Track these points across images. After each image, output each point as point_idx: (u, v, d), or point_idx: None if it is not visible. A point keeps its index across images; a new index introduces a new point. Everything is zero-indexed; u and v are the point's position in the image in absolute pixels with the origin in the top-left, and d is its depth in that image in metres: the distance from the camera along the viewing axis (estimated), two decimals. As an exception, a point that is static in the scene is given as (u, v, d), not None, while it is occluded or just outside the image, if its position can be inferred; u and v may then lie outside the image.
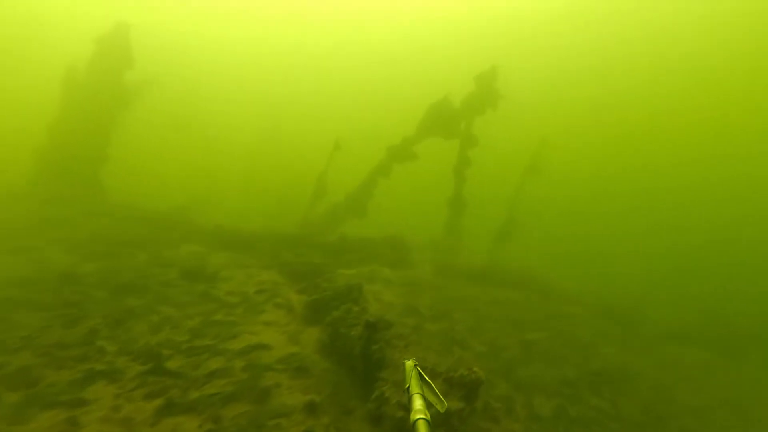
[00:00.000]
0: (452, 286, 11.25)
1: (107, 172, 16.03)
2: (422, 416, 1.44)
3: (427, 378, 1.84)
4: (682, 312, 19.58)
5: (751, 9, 47.45)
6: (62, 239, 9.20)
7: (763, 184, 50.11)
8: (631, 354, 9.65)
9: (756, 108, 52.64)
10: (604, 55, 61.90)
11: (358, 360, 4.80)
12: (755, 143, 52.41)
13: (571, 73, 63.30)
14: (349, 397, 4.60)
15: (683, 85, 58.12)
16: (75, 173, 15.03)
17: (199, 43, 62.05)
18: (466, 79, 18.05)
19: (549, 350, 7.85)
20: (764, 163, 50.67)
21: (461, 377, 3.56)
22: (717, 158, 54.73)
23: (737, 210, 50.85)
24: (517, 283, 13.51)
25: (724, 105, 55.45)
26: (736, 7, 48.65)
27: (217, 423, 3.82)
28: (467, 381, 3.52)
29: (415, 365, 1.94)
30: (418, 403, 1.58)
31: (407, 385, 1.80)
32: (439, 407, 1.74)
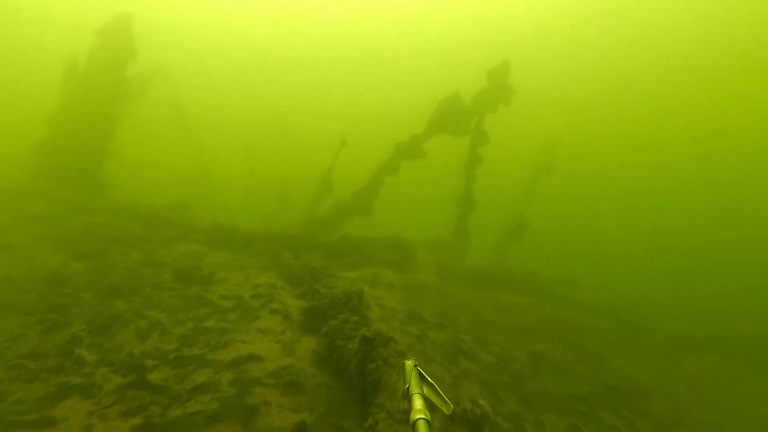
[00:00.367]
0: (458, 290, 10.83)
1: (106, 166, 15.71)
2: (422, 416, 1.38)
3: (429, 379, 1.75)
4: (694, 316, 19.05)
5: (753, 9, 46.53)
6: (52, 236, 8.85)
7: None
8: (645, 366, 9.19)
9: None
10: (604, 55, 61.20)
11: (354, 377, 4.39)
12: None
13: (572, 72, 62.70)
14: (344, 416, 4.22)
15: (685, 85, 57.24)
16: (73, 167, 14.73)
17: (202, 36, 61.82)
18: (473, 76, 17.55)
19: (560, 362, 7.40)
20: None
21: (464, 412, 3.05)
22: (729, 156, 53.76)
23: (738, 210, 50.17)
24: (525, 287, 13.10)
25: (740, 103, 54.40)
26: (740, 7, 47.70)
27: (197, 448, 3.44)
28: (471, 416, 3.00)
29: (415, 365, 1.86)
30: (418, 402, 1.52)
31: (407, 386, 1.72)
32: (444, 409, 1.65)
